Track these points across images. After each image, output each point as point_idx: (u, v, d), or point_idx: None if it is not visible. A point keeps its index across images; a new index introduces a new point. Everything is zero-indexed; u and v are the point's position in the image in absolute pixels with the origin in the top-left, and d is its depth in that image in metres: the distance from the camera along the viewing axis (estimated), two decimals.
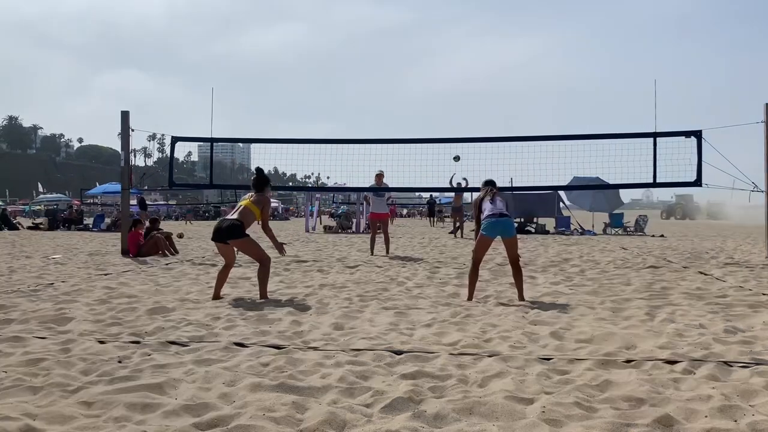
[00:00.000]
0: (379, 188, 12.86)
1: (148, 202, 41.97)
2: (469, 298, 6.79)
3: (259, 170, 7.17)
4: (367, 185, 13.16)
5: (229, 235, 6.68)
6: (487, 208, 6.87)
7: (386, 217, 13.38)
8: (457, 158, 13.24)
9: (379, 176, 12.71)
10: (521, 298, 6.69)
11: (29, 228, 25.49)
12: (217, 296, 6.78)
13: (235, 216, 6.81)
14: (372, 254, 12.66)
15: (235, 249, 6.95)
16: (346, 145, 13.06)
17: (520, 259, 7.06)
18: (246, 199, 6.99)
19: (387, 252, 12.76)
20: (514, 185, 16.34)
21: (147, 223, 13.69)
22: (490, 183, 7.33)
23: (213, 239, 6.81)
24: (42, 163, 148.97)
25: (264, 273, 6.79)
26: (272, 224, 7.27)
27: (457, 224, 21.26)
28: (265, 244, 7.30)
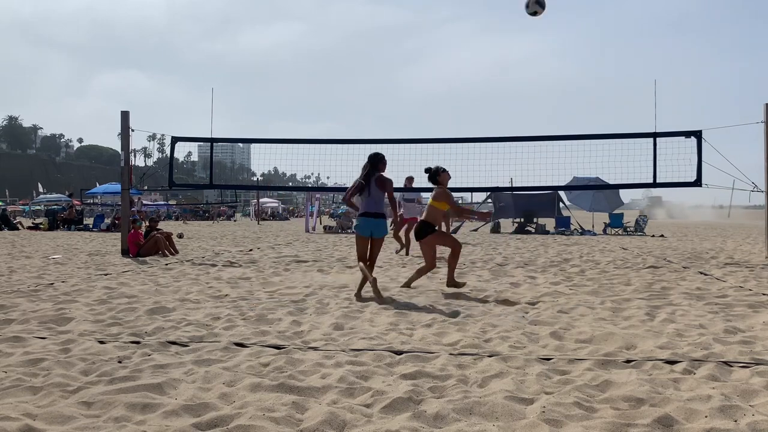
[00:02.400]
0: (407, 189, 13.02)
1: (147, 203, 42.09)
2: (357, 292, 6.84)
3: (427, 169, 7.52)
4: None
5: (417, 236, 7.33)
6: (360, 203, 7.05)
7: (416, 221, 13.62)
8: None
9: (410, 179, 12.88)
10: (362, 291, 6.80)
11: (29, 228, 25.49)
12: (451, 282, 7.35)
13: (423, 216, 7.42)
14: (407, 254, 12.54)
15: (434, 245, 7.38)
16: (346, 145, 13.06)
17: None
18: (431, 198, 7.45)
19: (406, 253, 12.62)
20: (514, 185, 16.34)
21: (146, 223, 13.70)
22: (370, 159, 7.09)
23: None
24: (42, 163, 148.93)
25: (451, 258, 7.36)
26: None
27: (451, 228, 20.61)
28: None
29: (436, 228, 7.30)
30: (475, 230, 25.14)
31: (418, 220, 7.37)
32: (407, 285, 7.55)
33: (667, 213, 58.99)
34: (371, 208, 6.91)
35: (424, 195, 14.09)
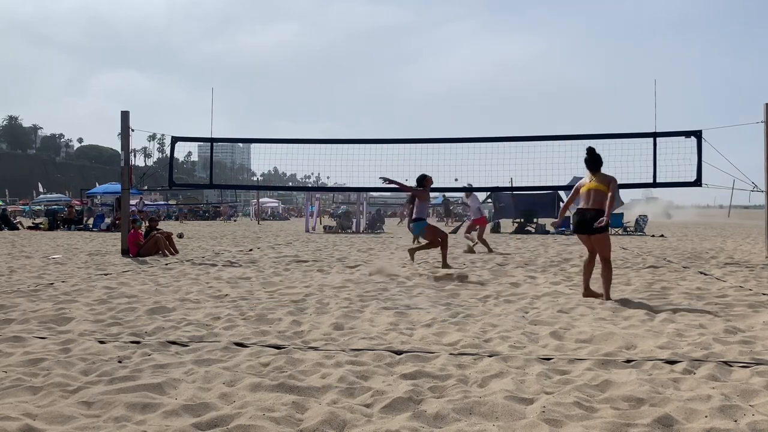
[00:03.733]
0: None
1: (147, 203, 42.07)
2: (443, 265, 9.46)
3: (590, 149, 6.82)
4: (366, 185, 13.20)
5: (592, 228, 6.54)
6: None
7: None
8: None
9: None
10: (445, 265, 9.72)
11: (29, 228, 25.49)
12: (588, 292, 6.80)
13: (594, 206, 6.56)
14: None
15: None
16: (346, 145, 13.06)
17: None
18: (592, 182, 6.68)
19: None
20: (514, 185, 16.33)
21: (146, 223, 13.70)
22: (417, 180, 9.83)
23: (576, 232, 6.82)
24: (42, 163, 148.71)
25: (607, 273, 6.70)
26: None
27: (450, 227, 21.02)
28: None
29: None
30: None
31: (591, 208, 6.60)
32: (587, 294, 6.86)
33: (652, 214, 60.72)
34: (413, 214, 9.97)
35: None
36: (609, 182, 6.64)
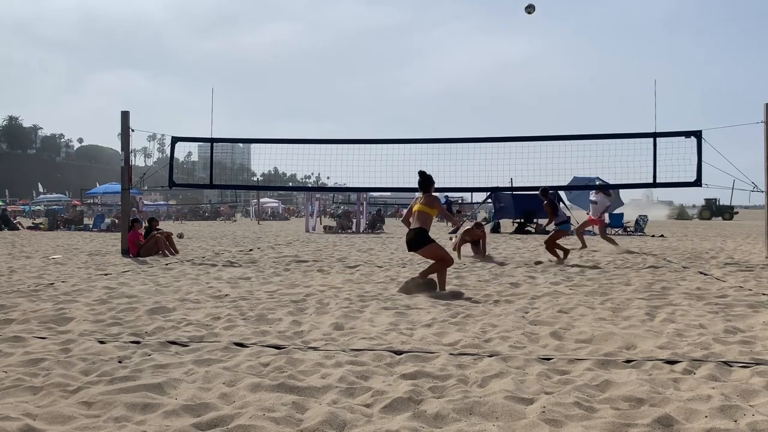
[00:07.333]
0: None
1: (148, 202, 42.12)
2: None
3: (421, 172, 7.61)
4: (365, 185, 13.19)
5: (416, 245, 7.32)
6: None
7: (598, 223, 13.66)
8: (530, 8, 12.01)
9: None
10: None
11: (29, 228, 25.50)
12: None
13: (417, 225, 7.32)
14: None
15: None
16: (346, 145, 13.06)
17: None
18: (418, 203, 7.47)
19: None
20: (514, 185, 16.34)
21: (145, 223, 13.71)
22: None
23: (409, 250, 7.59)
24: (42, 163, 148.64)
25: (443, 269, 7.34)
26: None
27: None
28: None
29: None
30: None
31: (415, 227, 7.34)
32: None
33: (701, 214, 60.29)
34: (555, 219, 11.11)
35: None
36: (432, 203, 7.40)
